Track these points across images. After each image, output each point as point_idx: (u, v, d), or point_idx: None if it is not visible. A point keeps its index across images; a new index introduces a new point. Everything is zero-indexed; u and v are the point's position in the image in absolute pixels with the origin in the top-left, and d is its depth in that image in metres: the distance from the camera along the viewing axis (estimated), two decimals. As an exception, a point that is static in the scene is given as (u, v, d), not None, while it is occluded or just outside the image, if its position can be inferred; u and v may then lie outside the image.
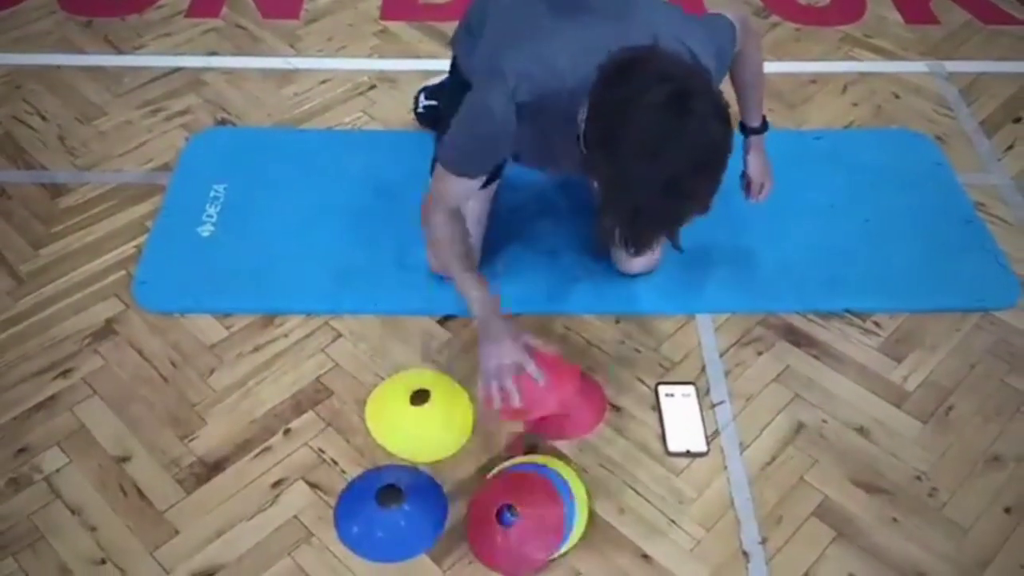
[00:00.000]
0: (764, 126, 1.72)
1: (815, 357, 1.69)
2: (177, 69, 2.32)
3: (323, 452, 1.51)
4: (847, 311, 1.77)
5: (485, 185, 1.69)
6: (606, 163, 1.22)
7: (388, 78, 2.30)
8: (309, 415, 1.57)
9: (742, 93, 1.67)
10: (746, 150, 1.72)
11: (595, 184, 1.26)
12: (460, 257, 1.48)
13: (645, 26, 1.33)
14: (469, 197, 1.51)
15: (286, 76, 2.31)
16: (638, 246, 1.29)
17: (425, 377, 1.59)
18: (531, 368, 1.37)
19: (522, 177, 1.95)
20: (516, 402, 1.36)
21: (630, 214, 1.22)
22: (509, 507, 1.38)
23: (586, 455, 1.52)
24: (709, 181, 1.21)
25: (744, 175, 1.74)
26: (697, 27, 1.45)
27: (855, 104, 2.28)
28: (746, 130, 1.72)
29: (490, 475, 1.47)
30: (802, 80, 2.35)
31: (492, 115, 1.35)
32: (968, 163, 2.11)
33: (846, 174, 2.05)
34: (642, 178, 1.18)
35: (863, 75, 2.37)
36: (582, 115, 1.29)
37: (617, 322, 1.74)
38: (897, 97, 2.30)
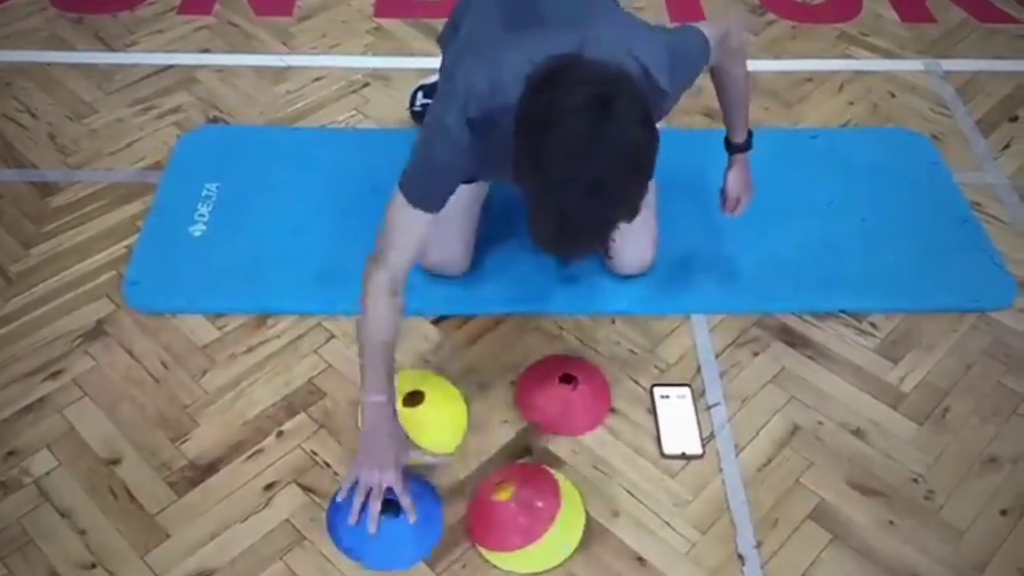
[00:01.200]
0: (748, 144, 1.68)
1: (810, 358, 1.68)
2: (169, 67, 2.30)
3: (316, 454, 1.50)
4: (843, 311, 1.76)
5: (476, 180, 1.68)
6: (532, 170, 1.19)
7: (382, 76, 2.29)
8: (302, 417, 1.55)
9: (725, 109, 1.65)
10: (728, 166, 1.69)
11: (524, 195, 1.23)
12: (379, 346, 1.35)
13: (594, 39, 1.30)
14: (415, 252, 1.40)
15: (279, 74, 2.29)
16: (567, 254, 1.27)
17: (418, 378, 1.58)
18: (404, 502, 1.32)
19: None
20: (373, 530, 1.30)
21: (557, 220, 1.19)
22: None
23: (581, 457, 1.51)
24: (634, 184, 1.20)
25: (722, 190, 1.71)
26: (654, 40, 1.41)
27: (851, 103, 2.27)
28: (730, 147, 1.68)
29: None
30: (798, 78, 2.34)
31: (447, 132, 1.32)
32: (964, 162, 2.10)
33: (842, 173, 2.04)
34: (567, 182, 1.16)
35: (859, 74, 2.36)
36: None
37: (612, 323, 1.72)
38: (893, 96, 2.30)
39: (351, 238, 1.84)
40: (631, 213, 1.21)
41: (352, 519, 1.32)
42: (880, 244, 1.88)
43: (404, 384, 1.57)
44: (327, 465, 1.49)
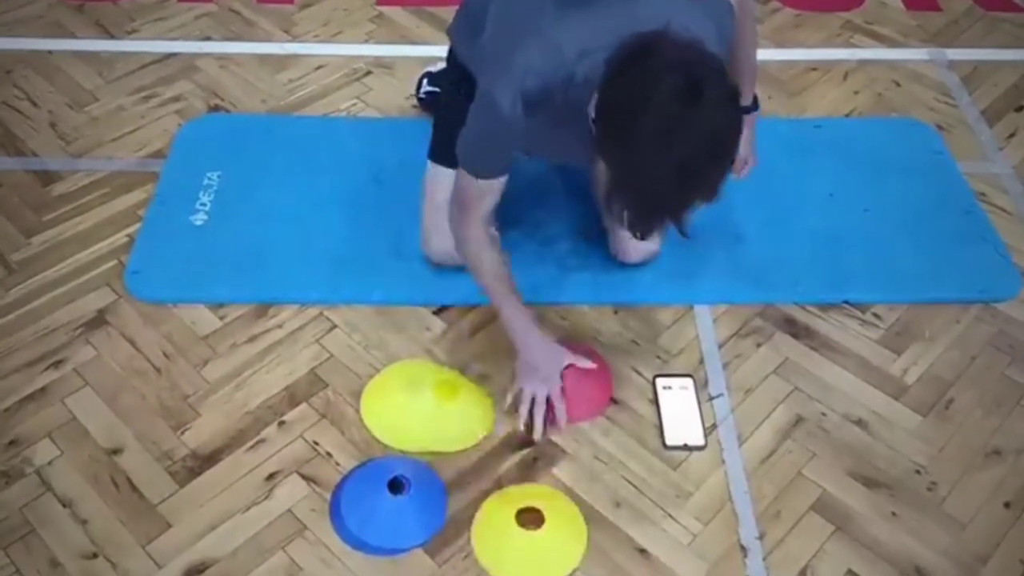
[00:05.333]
0: (755, 104, 1.70)
1: (814, 349, 1.67)
2: (170, 54, 2.29)
3: (317, 444, 1.50)
4: (846, 302, 1.75)
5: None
6: (618, 150, 1.22)
7: (384, 64, 2.27)
8: (303, 407, 1.55)
9: (733, 72, 1.64)
10: None
11: (604, 168, 1.26)
12: (502, 280, 1.50)
13: (650, 13, 1.31)
14: (496, 198, 1.48)
15: (281, 62, 2.28)
16: (645, 231, 1.30)
17: (422, 369, 1.57)
18: (561, 409, 1.49)
19: (522, 166, 1.93)
20: (538, 435, 1.49)
21: (640, 200, 1.25)
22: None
23: (582, 448, 1.51)
24: (720, 167, 1.22)
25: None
26: (699, 11, 1.43)
27: (856, 92, 2.25)
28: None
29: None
30: (802, 68, 2.32)
31: (500, 111, 1.33)
32: (969, 152, 2.09)
33: (846, 163, 2.03)
34: (655, 165, 1.18)
35: (864, 63, 2.35)
36: (591, 107, 1.28)
37: (615, 312, 1.72)
38: (898, 85, 2.28)
39: (353, 227, 1.84)
40: (713, 195, 1.23)
41: (521, 425, 1.48)
42: (884, 235, 1.87)
43: (406, 374, 1.57)
44: (329, 455, 1.48)
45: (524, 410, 1.49)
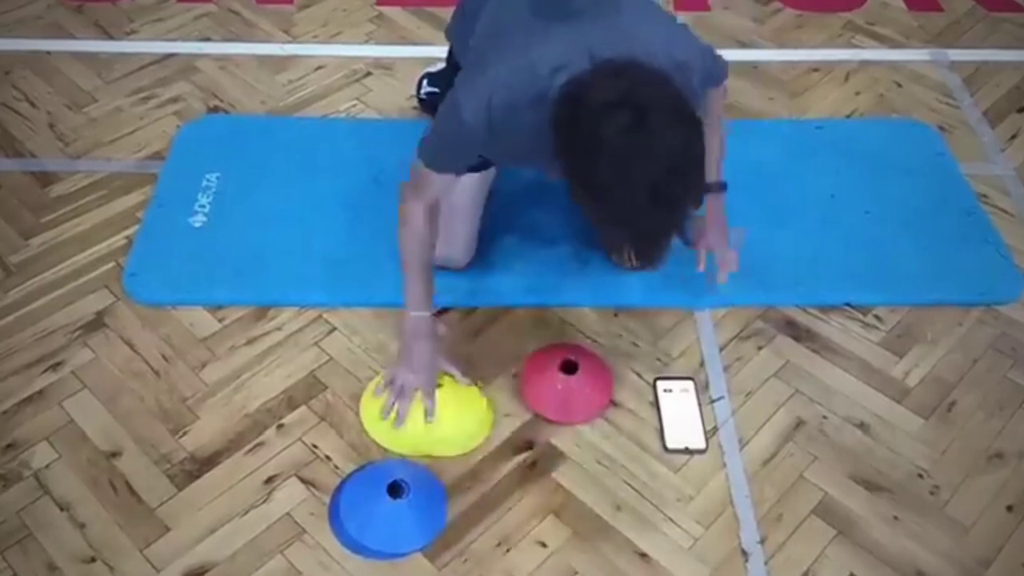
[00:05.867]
0: (722, 186, 1.62)
1: (815, 352, 1.66)
2: (169, 55, 2.29)
3: (316, 448, 1.49)
4: (847, 304, 1.74)
5: (479, 169, 1.67)
6: (593, 202, 1.23)
7: (384, 65, 2.27)
8: (302, 410, 1.54)
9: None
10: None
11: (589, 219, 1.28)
12: (422, 263, 1.48)
13: (629, 30, 1.31)
14: (448, 191, 1.48)
15: (280, 62, 2.27)
16: (651, 257, 1.29)
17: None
18: (428, 404, 1.46)
19: (523, 175, 1.93)
20: (398, 424, 1.46)
21: (630, 237, 1.27)
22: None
23: (583, 451, 1.50)
24: (689, 179, 1.21)
25: (698, 246, 1.63)
26: (688, 40, 1.42)
27: (857, 93, 2.25)
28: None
29: None
30: (804, 68, 2.32)
31: (462, 120, 1.33)
32: (971, 153, 2.08)
33: (847, 164, 2.02)
34: (629, 202, 1.18)
35: (865, 63, 2.34)
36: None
37: (615, 315, 1.71)
38: (899, 86, 2.27)
39: (352, 230, 1.83)
40: (697, 203, 1.24)
41: (384, 413, 1.46)
42: (885, 236, 1.86)
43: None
44: (328, 458, 1.48)
45: (390, 398, 1.47)
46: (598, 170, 1.17)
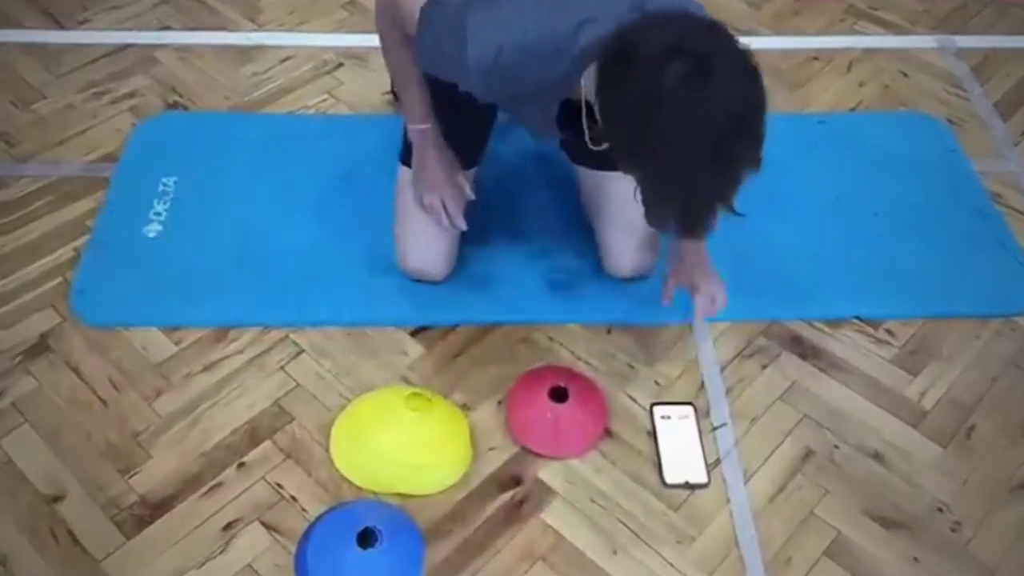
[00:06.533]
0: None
1: (823, 371, 1.54)
2: (125, 46, 2.12)
3: (281, 488, 1.36)
4: (857, 318, 1.62)
5: (466, 168, 1.56)
6: (647, 160, 1.12)
7: (356, 55, 2.11)
8: (266, 445, 1.41)
9: None
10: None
11: (633, 184, 1.15)
12: (413, 78, 1.42)
13: None
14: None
15: (245, 54, 2.11)
16: (701, 225, 1.17)
17: (396, 399, 1.42)
18: (453, 211, 1.50)
19: (502, 169, 1.79)
20: (455, 220, 1.51)
21: (685, 197, 1.12)
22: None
23: (575, 488, 1.37)
24: (753, 135, 1.10)
25: (670, 275, 1.50)
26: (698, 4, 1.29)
27: (861, 83, 2.12)
28: None
29: None
30: (804, 57, 2.18)
31: (462, 55, 1.22)
32: (983, 148, 1.96)
33: (852, 162, 1.89)
34: (689, 161, 1.07)
35: (869, 51, 2.21)
36: (567, 87, 1.23)
37: (608, 332, 1.58)
38: (905, 75, 2.14)
39: (323, 239, 1.69)
40: (757, 163, 1.11)
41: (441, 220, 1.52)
42: (895, 242, 1.74)
43: (380, 404, 1.43)
44: (294, 500, 1.34)
45: (435, 208, 1.51)
46: (657, 123, 1.07)
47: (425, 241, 1.58)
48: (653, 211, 1.15)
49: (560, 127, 1.34)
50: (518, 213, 1.74)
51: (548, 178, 1.79)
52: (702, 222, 1.15)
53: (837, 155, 1.91)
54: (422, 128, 1.47)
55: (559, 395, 1.42)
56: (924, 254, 1.71)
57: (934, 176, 1.88)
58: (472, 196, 1.54)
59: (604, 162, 1.58)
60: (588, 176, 1.62)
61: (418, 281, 1.61)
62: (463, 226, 1.52)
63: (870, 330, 1.60)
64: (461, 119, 1.53)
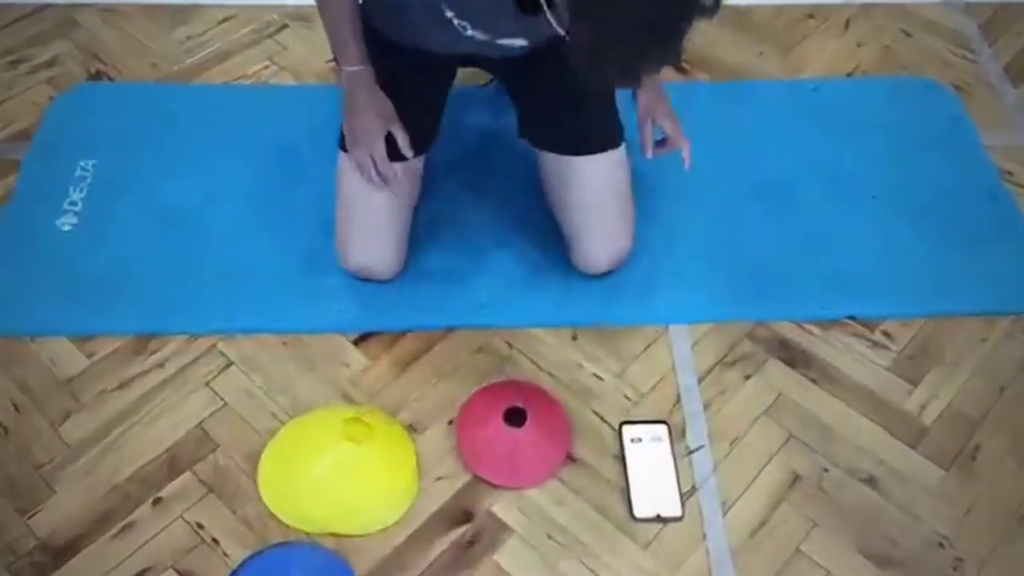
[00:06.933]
0: None
1: (813, 381, 1.38)
2: (44, 6, 1.91)
3: (201, 528, 1.20)
4: (851, 318, 1.46)
5: (416, 155, 1.38)
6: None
7: (302, 16, 1.90)
8: (186, 477, 1.25)
9: None
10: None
11: (572, 33, 0.97)
12: (349, 14, 1.30)
13: None
14: None
15: (177, 14, 1.90)
16: (639, 74, 1.04)
17: (333, 422, 1.27)
18: (389, 175, 1.34)
19: (456, 154, 1.61)
20: (391, 173, 1.33)
21: (628, 30, 0.93)
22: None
23: (532, 523, 1.22)
24: None
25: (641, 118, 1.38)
26: None
27: (859, 44, 1.92)
28: None
29: None
30: (797, 14, 1.98)
31: None
32: (991, 118, 1.78)
33: (849, 137, 1.72)
34: None
35: (867, 7, 2.01)
36: None
37: (574, 338, 1.42)
38: (907, 35, 1.95)
39: (259, 231, 1.52)
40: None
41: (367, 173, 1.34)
42: (895, 228, 1.57)
43: (317, 429, 1.27)
44: (215, 543, 1.19)
45: (364, 156, 1.34)
46: None
47: (370, 234, 1.40)
48: (596, 65, 0.97)
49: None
50: (475, 203, 1.56)
51: (508, 164, 1.61)
52: (646, 63, 1.00)
53: (832, 128, 1.73)
54: (354, 70, 1.33)
55: (516, 418, 1.27)
56: (926, 242, 1.55)
57: (939, 152, 1.70)
58: (410, 153, 1.36)
59: (570, 143, 1.41)
60: (553, 161, 1.44)
61: (363, 280, 1.44)
62: (397, 188, 1.35)
63: (866, 332, 1.45)
64: (410, 100, 1.36)
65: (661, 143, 1.39)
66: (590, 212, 1.42)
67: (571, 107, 1.39)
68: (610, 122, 1.44)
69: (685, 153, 1.37)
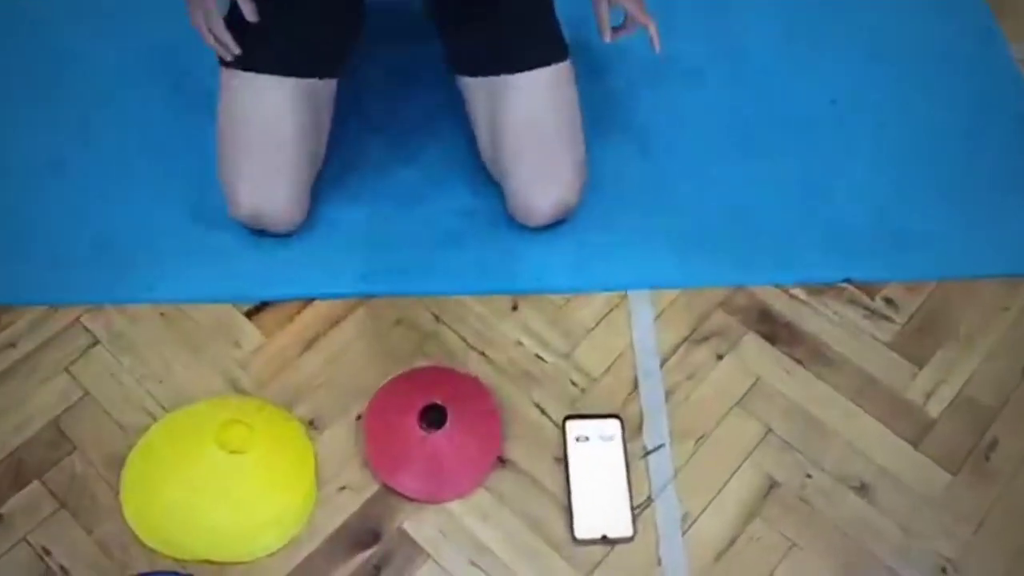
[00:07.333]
0: None
1: (799, 362, 1.16)
2: None
3: (48, 555, 0.99)
4: (848, 281, 1.22)
5: (321, 76, 1.15)
6: None
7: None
8: (34, 488, 1.03)
9: None
10: None
11: None
12: None
13: None
14: None
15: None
16: None
17: (214, 419, 1.04)
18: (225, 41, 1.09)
19: (372, 82, 1.35)
20: (228, 38, 1.08)
21: None
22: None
23: (451, 544, 1.01)
24: None
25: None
26: None
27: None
28: None
29: None
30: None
31: None
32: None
33: (854, 50, 1.45)
34: None
35: None
36: None
37: (513, 308, 1.18)
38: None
39: (128, 172, 1.26)
40: None
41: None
42: (903, 168, 1.32)
43: (215, 436, 1.05)
44: (64, 572, 0.98)
45: (197, 26, 1.09)
46: None
47: (263, 168, 1.15)
48: None
49: None
50: (395, 139, 1.30)
51: (433, 99, 1.34)
52: None
53: (835, 40, 1.46)
54: None
55: (434, 417, 1.04)
56: (939, 187, 1.30)
57: (963, 72, 1.44)
58: (254, 17, 1.07)
59: (504, 58, 1.15)
60: (484, 94, 1.17)
61: (258, 233, 1.19)
62: (235, 49, 1.09)
63: (865, 299, 1.21)
64: (317, 11, 1.11)
65: (621, 27, 1.12)
66: (528, 144, 1.16)
67: (501, 21, 1.13)
68: (549, 32, 1.19)
69: (652, 32, 1.10)
